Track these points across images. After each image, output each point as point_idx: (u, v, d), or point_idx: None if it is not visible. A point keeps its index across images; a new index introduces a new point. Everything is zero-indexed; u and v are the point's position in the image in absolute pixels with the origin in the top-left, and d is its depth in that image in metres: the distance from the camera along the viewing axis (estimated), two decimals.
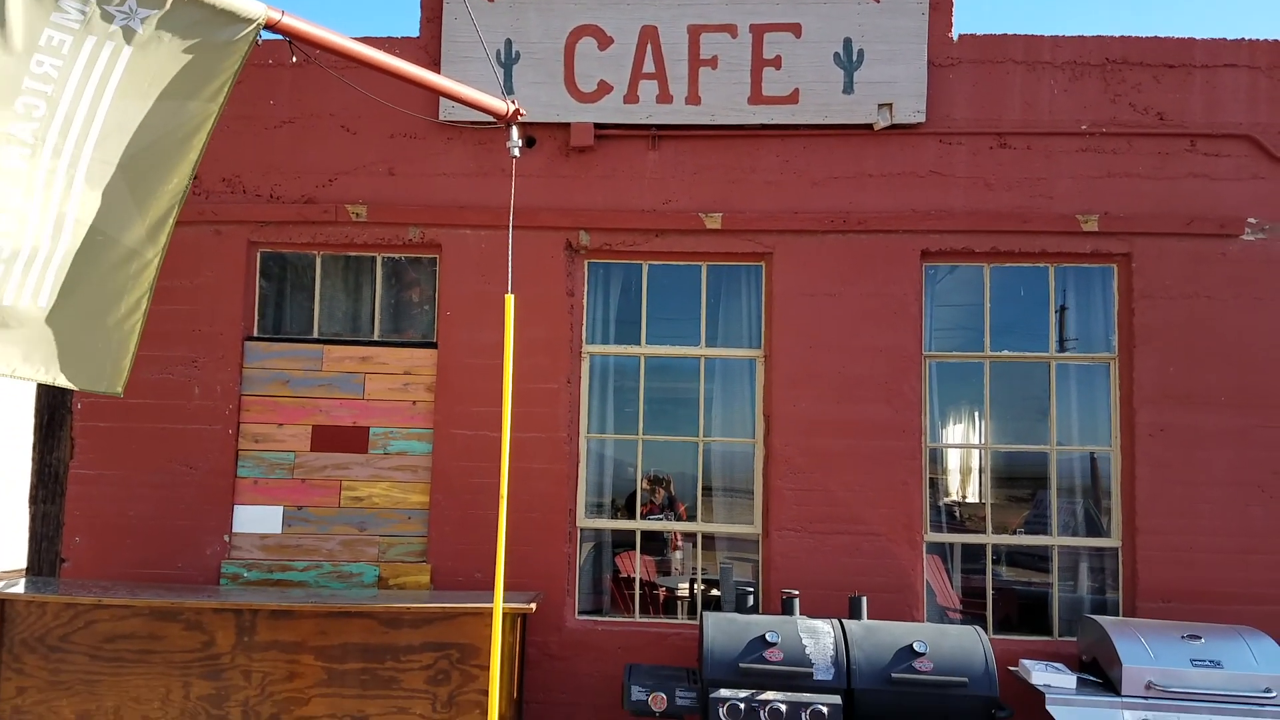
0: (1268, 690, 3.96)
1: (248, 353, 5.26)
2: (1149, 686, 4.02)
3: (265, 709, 4.35)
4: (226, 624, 4.39)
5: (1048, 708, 4.08)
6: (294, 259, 5.39)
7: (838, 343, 5.06)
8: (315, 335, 5.34)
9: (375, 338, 5.34)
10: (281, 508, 5.19)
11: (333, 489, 5.19)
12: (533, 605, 4.41)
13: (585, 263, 5.30)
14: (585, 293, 5.30)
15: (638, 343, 5.31)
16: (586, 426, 5.26)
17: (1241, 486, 4.85)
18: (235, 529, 5.16)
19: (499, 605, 3.86)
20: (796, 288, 5.11)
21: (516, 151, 3.97)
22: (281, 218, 5.24)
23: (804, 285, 5.10)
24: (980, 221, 5.05)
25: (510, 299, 3.86)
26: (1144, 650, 4.12)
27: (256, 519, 5.17)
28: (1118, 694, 4.06)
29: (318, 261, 5.39)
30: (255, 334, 5.31)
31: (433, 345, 5.25)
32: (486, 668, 4.18)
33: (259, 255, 5.34)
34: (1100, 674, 4.30)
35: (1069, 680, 4.21)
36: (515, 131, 3.97)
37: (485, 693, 4.21)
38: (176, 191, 3.01)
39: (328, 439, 5.21)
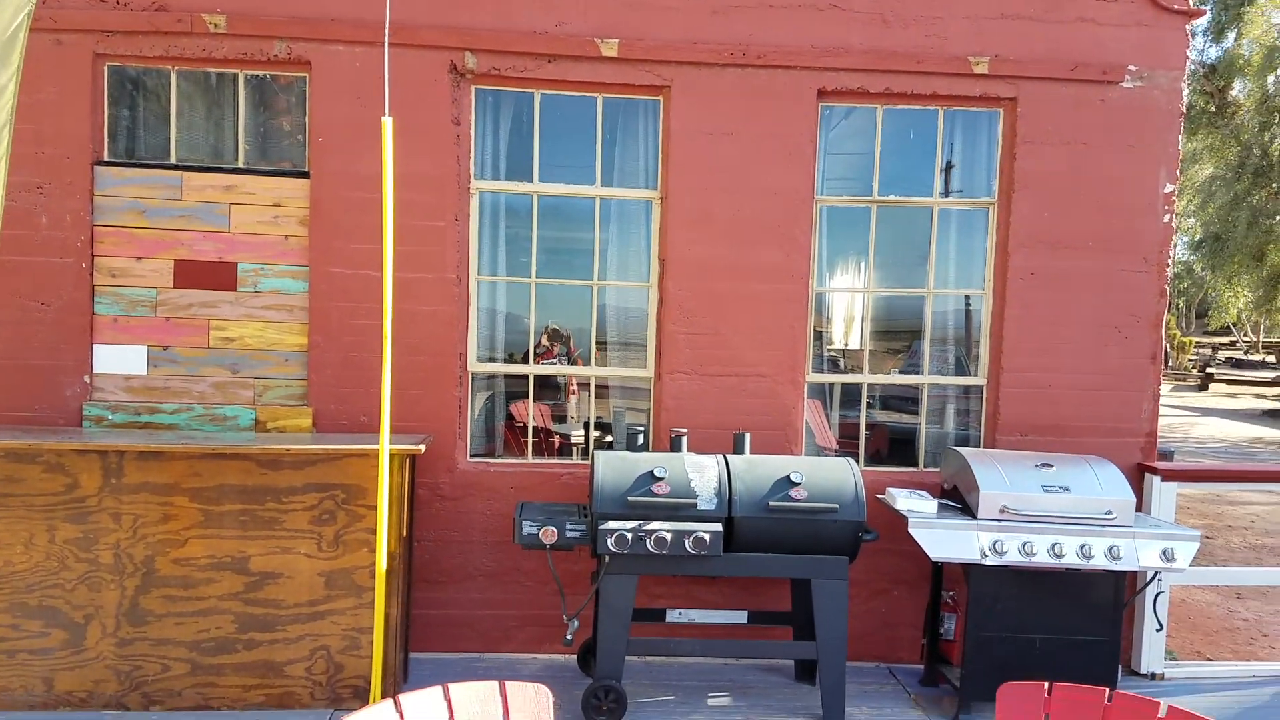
0: (1109, 512, 4.29)
1: (98, 179, 4.80)
2: (1003, 510, 4.30)
3: (139, 551, 4.20)
4: (91, 466, 4.17)
5: (910, 531, 4.33)
6: (148, 77, 4.87)
7: (734, 184, 5.00)
8: (173, 161, 4.90)
9: (240, 165, 4.93)
10: (145, 347, 4.87)
11: (200, 328, 4.90)
12: (422, 446, 4.34)
13: (472, 89, 4.98)
14: (473, 123, 5.01)
15: (530, 179, 5.11)
16: (477, 268, 5.09)
17: (1101, 328, 5.15)
18: (96, 369, 4.84)
19: (384, 443, 3.77)
20: (694, 125, 4.97)
21: None
22: (130, 27, 4.68)
23: (702, 123, 4.97)
24: (876, 60, 4.98)
25: (388, 123, 3.59)
26: (1000, 477, 4.39)
27: (118, 359, 4.86)
28: (974, 517, 4.32)
29: (173, 78, 4.89)
30: (106, 158, 4.83)
31: (305, 175, 4.89)
32: (374, 507, 4.13)
33: (106, 69, 4.80)
34: (960, 500, 4.59)
35: (930, 505, 4.47)
36: None
37: (373, 531, 4.18)
38: (22, 1, 2.57)
39: (192, 275, 4.87)
